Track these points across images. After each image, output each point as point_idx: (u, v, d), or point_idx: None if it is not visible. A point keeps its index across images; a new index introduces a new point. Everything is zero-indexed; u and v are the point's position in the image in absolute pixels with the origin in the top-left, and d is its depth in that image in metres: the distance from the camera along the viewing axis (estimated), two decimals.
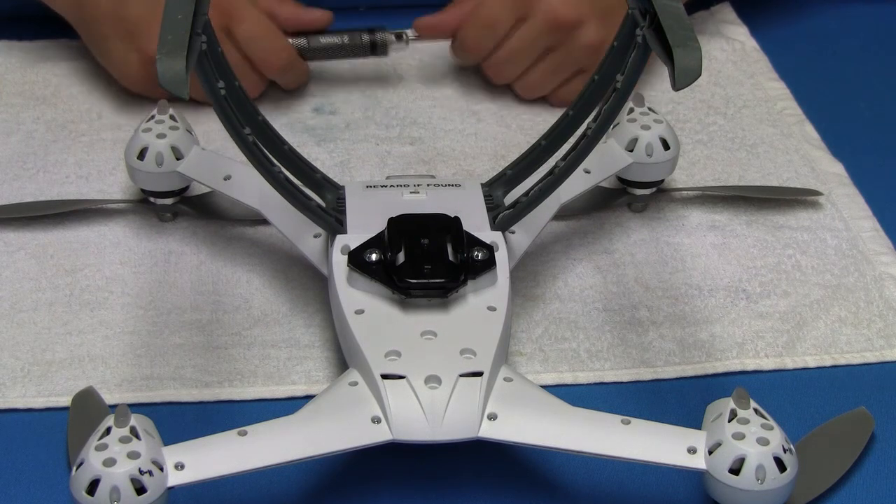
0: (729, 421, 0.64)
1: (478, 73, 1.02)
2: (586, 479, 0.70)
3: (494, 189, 0.79)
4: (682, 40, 0.63)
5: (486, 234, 0.73)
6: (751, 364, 0.77)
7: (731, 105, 0.99)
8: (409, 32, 0.98)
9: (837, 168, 0.93)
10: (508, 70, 0.96)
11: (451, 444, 0.65)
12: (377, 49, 0.98)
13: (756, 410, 0.65)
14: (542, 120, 0.96)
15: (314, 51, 0.97)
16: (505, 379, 0.67)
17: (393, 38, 0.97)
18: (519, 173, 0.79)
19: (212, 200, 0.87)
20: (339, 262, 0.72)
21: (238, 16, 0.92)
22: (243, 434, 0.64)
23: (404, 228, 0.71)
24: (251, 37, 0.92)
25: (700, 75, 0.62)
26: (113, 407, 0.68)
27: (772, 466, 0.63)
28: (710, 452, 0.64)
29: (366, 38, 0.97)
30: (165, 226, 0.86)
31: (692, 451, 0.64)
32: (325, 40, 0.97)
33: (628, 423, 0.65)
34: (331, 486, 0.69)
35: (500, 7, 0.93)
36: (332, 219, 0.74)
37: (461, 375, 0.65)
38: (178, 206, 0.87)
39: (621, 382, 0.76)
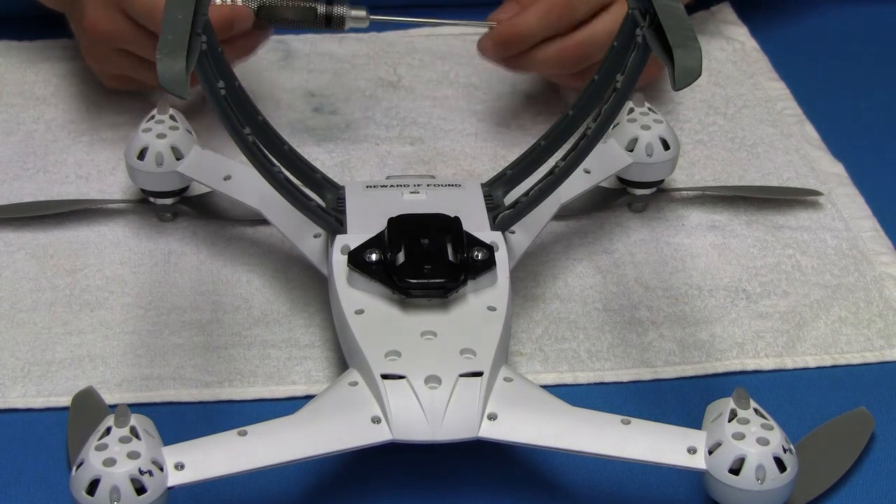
0: (729, 421, 0.64)
1: (478, 73, 1.02)
2: (586, 479, 0.70)
3: (494, 189, 0.79)
4: (682, 40, 0.63)
5: (486, 234, 0.73)
6: (751, 364, 0.77)
7: (731, 105, 0.99)
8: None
9: (837, 168, 0.93)
10: (589, 54, 0.89)
11: (451, 444, 0.65)
12: (333, 22, 0.91)
13: (756, 410, 0.65)
14: (542, 120, 0.96)
15: (266, 13, 0.90)
16: (505, 379, 0.67)
17: (351, 12, 0.91)
18: (519, 173, 0.79)
19: (212, 200, 0.87)
20: (339, 262, 0.72)
21: None
22: (243, 434, 0.64)
23: (404, 228, 0.71)
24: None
25: (700, 75, 0.62)
26: (113, 407, 0.68)
27: (772, 466, 0.63)
28: (710, 452, 0.64)
29: (321, 9, 0.90)
30: (165, 226, 0.86)
31: (692, 451, 0.64)
32: (278, 4, 0.90)
33: (628, 423, 0.65)
34: (331, 486, 0.69)
35: None
36: (332, 219, 0.74)
37: (461, 375, 0.65)
38: (178, 206, 0.87)
39: (621, 382, 0.76)
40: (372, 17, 0.91)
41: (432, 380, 0.65)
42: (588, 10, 0.89)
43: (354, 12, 0.91)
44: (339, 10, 0.91)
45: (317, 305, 0.80)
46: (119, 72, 0.93)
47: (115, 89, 0.96)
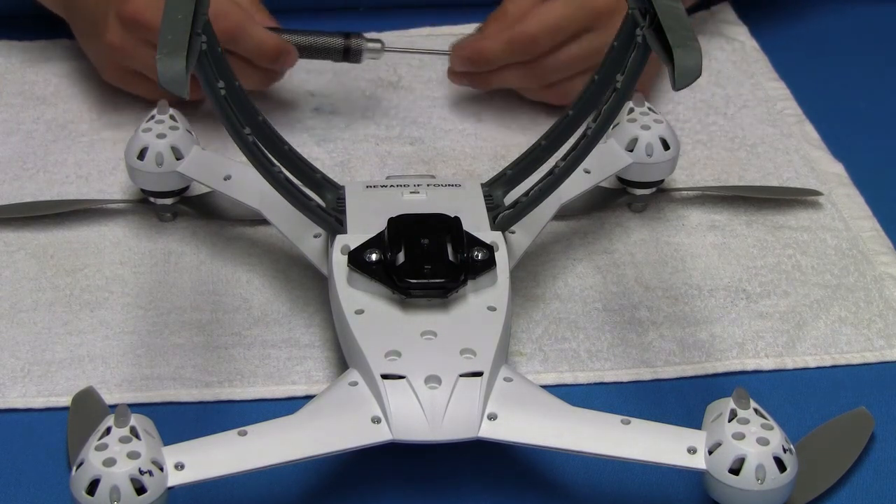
0: (729, 421, 0.64)
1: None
2: (586, 479, 0.70)
3: (494, 189, 0.79)
4: (682, 40, 0.63)
5: (486, 234, 0.73)
6: (751, 364, 0.77)
7: (731, 105, 0.99)
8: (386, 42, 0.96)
9: (837, 168, 0.93)
10: (553, 76, 0.93)
11: (451, 444, 0.65)
12: (350, 55, 0.94)
13: (756, 410, 0.65)
14: (542, 120, 0.96)
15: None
16: (505, 379, 0.67)
17: (367, 44, 0.94)
18: (519, 173, 0.79)
19: (212, 200, 0.87)
20: (339, 262, 0.72)
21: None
22: (243, 434, 0.64)
23: (404, 228, 0.71)
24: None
25: (700, 75, 0.62)
26: (113, 407, 0.68)
27: (772, 466, 0.63)
28: (710, 452, 0.64)
29: (339, 41, 0.94)
30: (165, 226, 0.86)
31: (692, 451, 0.64)
32: (299, 39, 0.93)
33: (628, 423, 0.65)
34: (331, 486, 0.69)
35: (570, 14, 0.90)
36: (332, 219, 0.74)
37: (461, 375, 0.65)
38: (178, 206, 0.87)
39: (621, 382, 0.76)
40: (387, 49, 0.95)
41: (432, 380, 0.65)
42: (552, 44, 0.91)
43: (370, 45, 0.94)
44: (356, 42, 0.94)
45: (317, 305, 0.80)
46: (135, 91, 0.95)
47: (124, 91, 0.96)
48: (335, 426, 0.65)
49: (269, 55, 0.90)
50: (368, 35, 0.95)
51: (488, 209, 0.76)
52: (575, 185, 0.81)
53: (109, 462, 0.61)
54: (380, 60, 1.02)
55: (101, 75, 0.96)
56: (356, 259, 0.70)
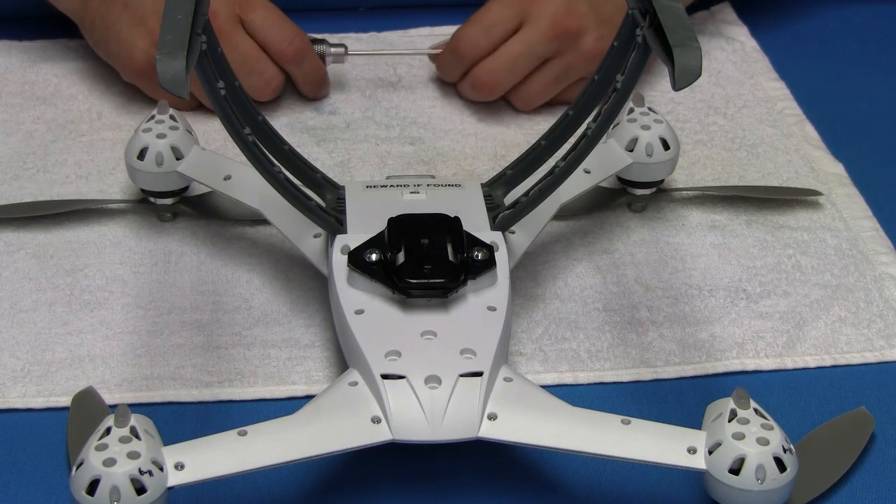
0: (729, 421, 0.64)
1: None
2: (586, 479, 0.70)
3: (494, 189, 0.79)
4: (682, 40, 0.63)
5: (486, 234, 0.73)
6: (751, 364, 0.77)
7: (731, 105, 0.99)
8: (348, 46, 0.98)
9: (837, 168, 0.93)
10: (504, 78, 0.94)
11: (451, 444, 0.65)
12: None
13: (756, 410, 0.65)
14: (542, 120, 0.96)
15: None
16: (505, 379, 0.67)
17: (330, 49, 0.97)
18: (519, 173, 0.79)
19: (212, 200, 0.87)
20: (339, 262, 0.72)
21: (250, 3, 0.92)
22: (243, 434, 0.64)
23: (404, 228, 0.71)
24: (265, 23, 0.92)
25: (700, 75, 0.62)
26: (113, 407, 0.68)
27: (772, 466, 0.63)
28: (710, 452, 0.64)
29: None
30: (165, 226, 0.86)
31: (692, 451, 0.64)
32: None
33: (628, 423, 0.65)
34: (331, 486, 0.69)
35: (501, 10, 0.93)
36: (332, 219, 0.74)
37: (461, 375, 0.65)
38: (178, 206, 0.87)
39: (621, 382, 0.76)
40: (350, 52, 0.98)
41: (432, 380, 0.65)
42: (490, 38, 0.94)
43: (334, 49, 0.97)
44: (319, 48, 0.96)
45: (317, 305, 0.80)
46: (148, 83, 0.95)
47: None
48: (335, 426, 0.65)
49: (319, 81, 0.97)
50: (333, 41, 0.97)
51: (488, 209, 0.76)
52: (575, 185, 0.81)
53: (109, 462, 0.61)
54: (379, 60, 1.02)
55: (124, 70, 0.95)
56: (356, 259, 0.70)
